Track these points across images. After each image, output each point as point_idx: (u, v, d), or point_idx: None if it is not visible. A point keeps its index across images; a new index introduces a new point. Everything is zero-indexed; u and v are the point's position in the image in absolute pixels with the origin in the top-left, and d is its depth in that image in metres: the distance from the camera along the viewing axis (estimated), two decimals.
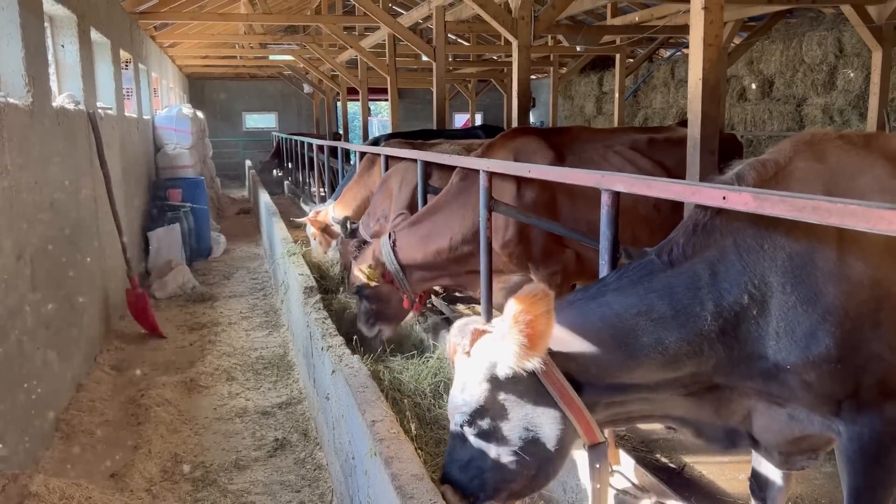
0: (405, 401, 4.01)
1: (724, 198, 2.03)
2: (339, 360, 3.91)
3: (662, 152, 4.76)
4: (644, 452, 3.69)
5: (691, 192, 2.27)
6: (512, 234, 4.39)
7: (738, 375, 2.13)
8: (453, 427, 2.28)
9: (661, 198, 2.63)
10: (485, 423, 2.18)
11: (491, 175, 4.08)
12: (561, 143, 4.63)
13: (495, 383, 2.16)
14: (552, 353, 2.13)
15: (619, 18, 12.23)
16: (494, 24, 6.62)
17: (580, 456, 2.77)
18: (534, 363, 2.06)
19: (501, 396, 2.16)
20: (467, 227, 4.47)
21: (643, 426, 3.75)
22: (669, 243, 2.21)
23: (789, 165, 2.15)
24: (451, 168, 5.76)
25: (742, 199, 1.96)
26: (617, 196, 2.78)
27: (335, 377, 3.83)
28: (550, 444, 2.17)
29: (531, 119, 20.93)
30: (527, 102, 6.63)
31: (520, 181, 4.33)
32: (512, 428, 2.16)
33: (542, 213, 4.31)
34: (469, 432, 2.22)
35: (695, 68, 3.92)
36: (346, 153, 10.52)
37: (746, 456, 2.66)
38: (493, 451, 2.19)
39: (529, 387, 2.14)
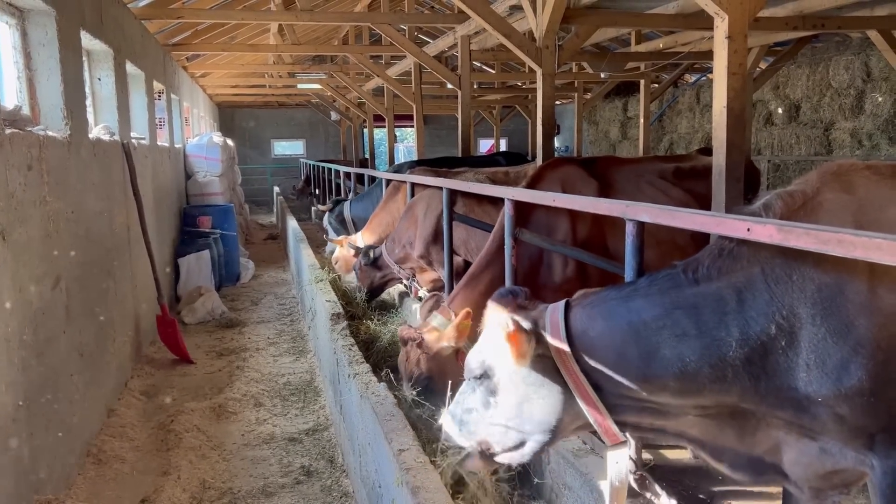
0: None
1: (748, 230, 2.04)
2: (365, 387, 3.94)
3: (693, 181, 4.78)
4: (672, 481, 3.64)
5: (716, 224, 2.28)
6: (572, 271, 4.36)
7: (767, 406, 2.12)
8: (467, 375, 2.55)
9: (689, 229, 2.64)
10: (487, 385, 2.43)
11: (515, 203, 4.12)
12: (599, 172, 4.66)
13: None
14: (575, 346, 2.31)
15: (644, 45, 12.25)
16: (519, 53, 6.67)
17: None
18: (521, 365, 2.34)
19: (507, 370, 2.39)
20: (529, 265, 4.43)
21: (672, 455, 3.72)
22: (695, 262, 2.23)
23: (817, 196, 2.14)
24: (475, 196, 5.82)
25: (766, 232, 1.96)
26: (641, 226, 2.80)
27: (362, 405, 3.85)
28: (543, 420, 2.37)
29: (556, 144, 20.95)
30: (551, 129, 6.66)
31: (574, 218, 4.35)
32: (510, 399, 2.38)
33: (595, 248, 4.30)
34: (475, 385, 2.48)
35: (719, 97, 3.93)
36: (373, 180, 10.65)
37: (778, 488, 2.62)
38: (488, 411, 2.43)
39: (545, 367, 2.35)
